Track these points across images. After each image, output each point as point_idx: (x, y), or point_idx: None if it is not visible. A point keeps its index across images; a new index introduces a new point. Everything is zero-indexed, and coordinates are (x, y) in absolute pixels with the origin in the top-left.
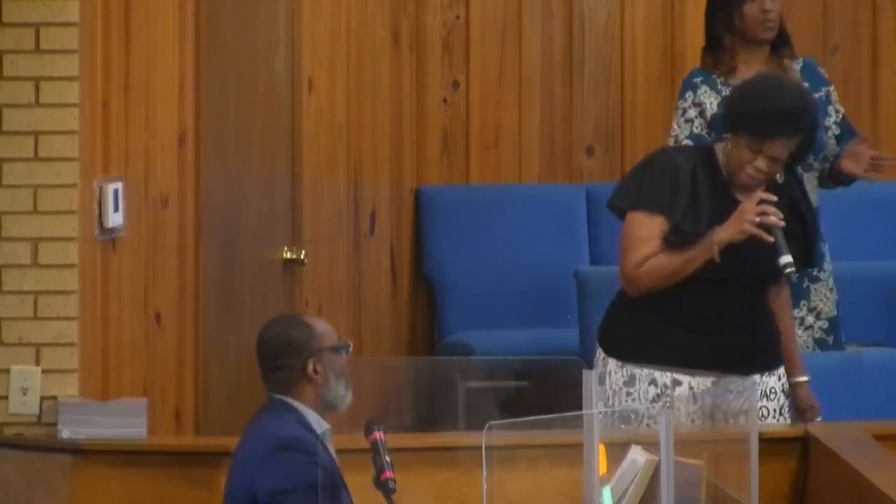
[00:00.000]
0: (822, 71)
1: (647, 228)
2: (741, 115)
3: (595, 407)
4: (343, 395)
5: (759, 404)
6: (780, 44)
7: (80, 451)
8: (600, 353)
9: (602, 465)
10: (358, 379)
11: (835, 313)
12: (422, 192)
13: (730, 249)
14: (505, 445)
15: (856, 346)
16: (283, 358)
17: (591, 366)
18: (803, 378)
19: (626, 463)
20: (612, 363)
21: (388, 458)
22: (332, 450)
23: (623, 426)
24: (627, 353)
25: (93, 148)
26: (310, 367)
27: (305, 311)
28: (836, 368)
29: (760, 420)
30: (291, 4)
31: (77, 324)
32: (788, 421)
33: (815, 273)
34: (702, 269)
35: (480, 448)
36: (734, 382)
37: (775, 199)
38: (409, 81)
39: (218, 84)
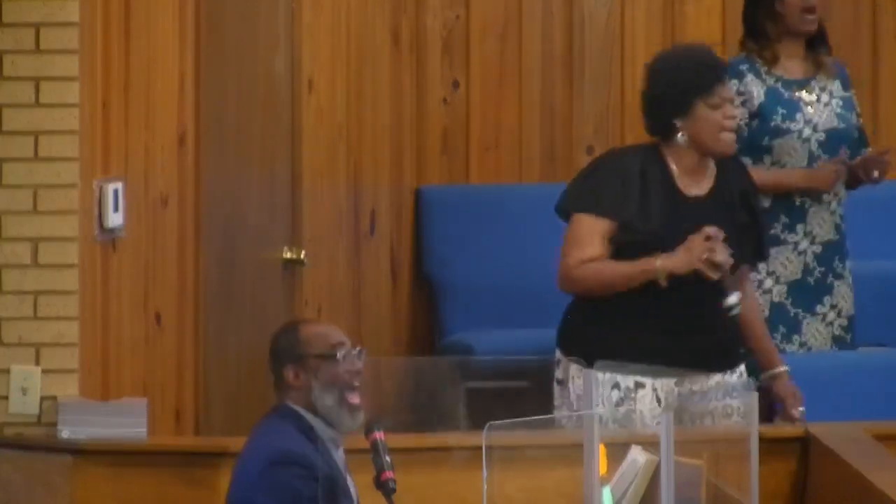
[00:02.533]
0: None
1: (592, 230)
2: (684, 86)
3: (595, 407)
4: (332, 406)
5: (722, 402)
6: (818, 40)
7: (80, 451)
8: (561, 357)
9: (602, 465)
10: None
11: (853, 312)
12: (422, 192)
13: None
14: (505, 445)
15: (870, 347)
16: (272, 364)
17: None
18: (782, 368)
19: (626, 463)
20: (574, 368)
21: (388, 458)
22: (339, 454)
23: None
24: (587, 357)
25: (93, 148)
26: (289, 374)
27: (312, 317)
28: (836, 368)
29: (726, 418)
30: (291, 4)
31: (77, 324)
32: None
33: (839, 269)
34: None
35: (480, 448)
36: (698, 383)
37: (723, 235)
38: (409, 81)
39: (218, 84)
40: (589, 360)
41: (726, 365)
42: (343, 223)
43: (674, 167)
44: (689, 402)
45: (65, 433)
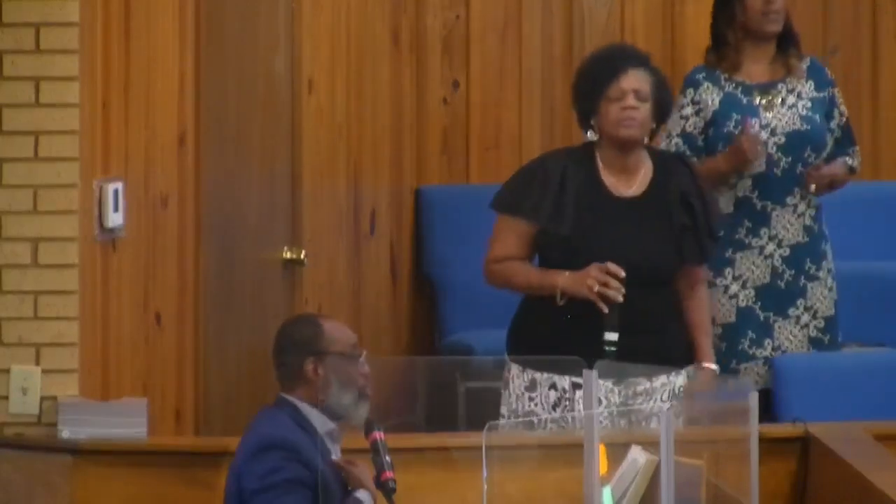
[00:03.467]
0: (828, 71)
1: (508, 231)
2: (587, 84)
3: (595, 407)
4: (348, 405)
5: (669, 404)
6: (787, 41)
7: (80, 451)
8: (506, 359)
9: (602, 465)
10: None
11: (832, 312)
12: (422, 192)
13: (618, 247)
14: (505, 445)
15: (856, 346)
16: (284, 354)
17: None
18: (711, 366)
19: (626, 463)
20: (515, 368)
21: (388, 458)
22: (336, 449)
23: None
24: (523, 354)
25: (93, 148)
26: (308, 367)
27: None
28: (836, 368)
29: (676, 418)
30: (291, 4)
31: (77, 324)
32: None
33: (812, 271)
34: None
35: (480, 448)
36: (641, 384)
37: (623, 274)
38: (409, 81)
39: (218, 84)
40: (528, 364)
41: (671, 366)
42: (343, 223)
43: (602, 168)
44: (634, 403)
45: (65, 433)
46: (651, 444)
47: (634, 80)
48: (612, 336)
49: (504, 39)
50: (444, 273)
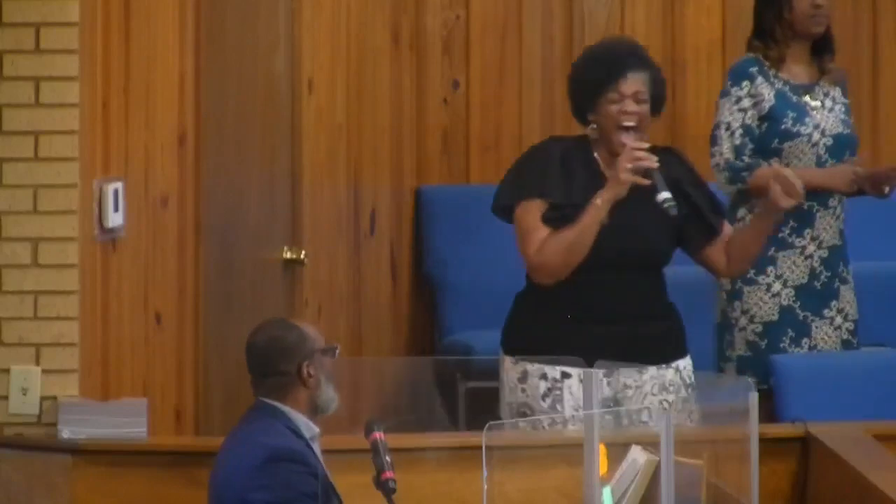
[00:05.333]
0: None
1: (533, 214)
2: (587, 83)
3: (595, 407)
4: (333, 397)
5: (658, 398)
6: (823, 44)
7: (80, 451)
8: (500, 353)
9: (602, 465)
10: (358, 379)
11: (857, 316)
12: (422, 192)
13: (611, 235)
14: (505, 445)
15: (870, 347)
16: (277, 363)
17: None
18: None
19: (626, 463)
20: (508, 361)
21: (388, 458)
22: (319, 453)
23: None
24: (519, 349)
25: (93, 148)
26: (304, 371)
27: (296, 313)
28: (836, 368)
29: (663, 413)
30: (291, 4)
31: (77, 324)
32: (695, 409)
33: (844, 274)
34: (590, 254)
35: (480, 448)
36: (631, 376)
37: (646, 145)
38: (409, 81)
39: (218, 84)
40: (524, 353)
41: (660, 359)
42: (343, 223)
43: (599, 158)
44: (623, 396)
45: (65, 433)
46: (651, 444)
47: (634, 84)
48: (666, 194)
49: (504, 39)
50: (444, 273)
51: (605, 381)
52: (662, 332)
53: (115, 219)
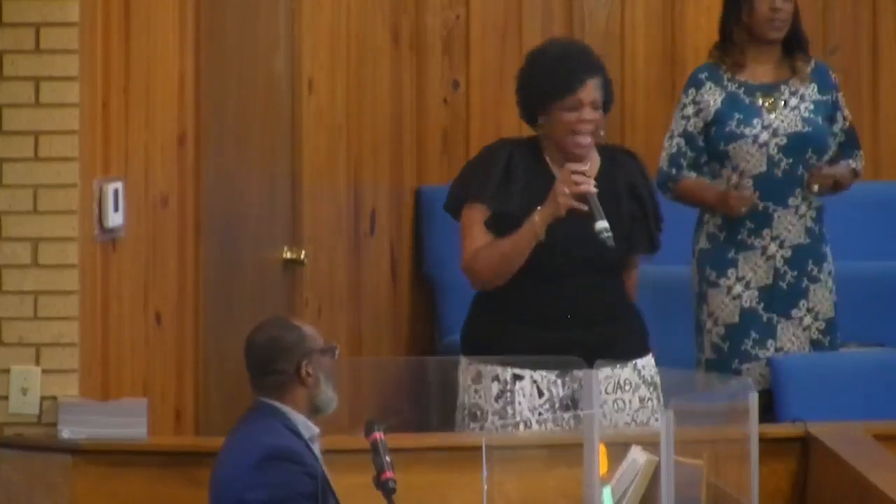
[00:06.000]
0: (833, 76)
1: (472, 219)
2: (542, 88)
3: (595, 407)
4: (332, 397)
5: (613, 396)
6: (794, 44)
7: (80, 451)
8: (459, 356)
9: (602, 465)
10: (358, 379)
11: (832, 315)
12: (422, 192)
13: (565, 239)
14: (505, 445)
15: (855, 345)
16: (276, 362)
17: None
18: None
19: (626, 463)
20: (463, 361)
21: (388, 458)
22: (318, 453)
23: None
24: (473, 350)
25: (93, 148)
26: (303, 370)
27: (296, 314)
28: (836, 368)
29: (617, 412)
30: (291, 4)
31: (77, 324)
32: (658, 408)
33: (814, 273)
34: (537, 261)
35: (480, 448)
36: (579, 374)
37: (585, 167)
38: (409, 81)
39: (218, 84)
40: (479, 355)
41: (616, 358)
42: (343, 223)
43: (548, 158)
44: (579, 394)
45: (65, 433)
46: (651, 444)
47: (592, 91)
48: (603, 223)
49: (504, 39)
50: (444, 273)
51: (558, 381)
52: (619, 333)
53: (115, 219)
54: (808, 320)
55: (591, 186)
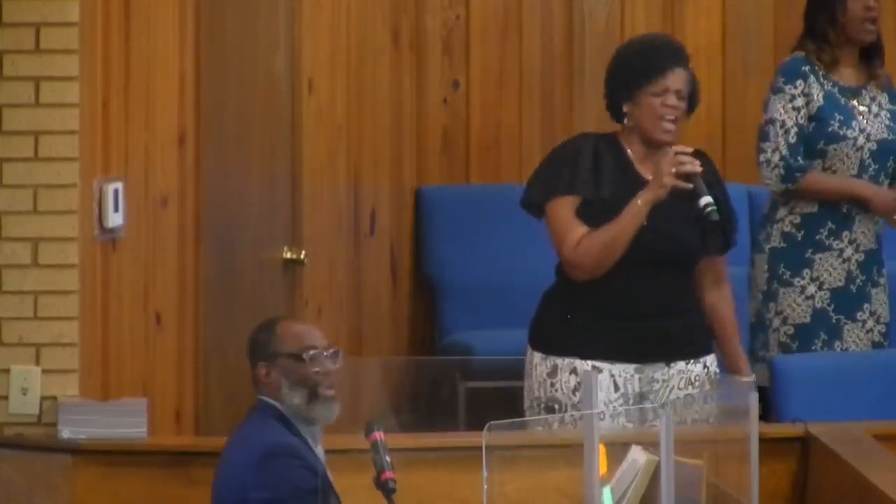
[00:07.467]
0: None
1: (566, 211)
2: (631, 72)
3: (595, 407)
4: (300, 405)
5: (684, 392)
6: (874, 51)
7: (80, 451)
8: (528, 349)
9: (602, 465)
10: (358, 379)
11: (889, 318)
12: (422, 192)
13: (652, 231)
14: (505, 445)
15: None
16: (249, 359)
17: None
18: (747, 379)
19: (626, 463)
20: (537, 356)
21: (388, 458)
22: (321, 452)
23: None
24: (549, 345)
25: (93, 148)
26: (261, 371)
27: (296, 314)
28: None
29: (686, 408)
30: (291, 4)
31: (77, 324)
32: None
33: (877, 277)
34: (639, 248)
35: (480, 448)
36: (658, 371)
37: (690, 149)
38: (409, 81)
39: (218, 84)
40: (550, 350)
41: (689, 354)
42: (343, 223)
43: (630, 153)
44: (650, 390)
45: (65, 433)
46: (651, 444)
47: (679, 80)
48: (707, 198)
49: (504, 39)
50: (444, 273)
51: (636, 376)
52: (690, 328)
53: (115, 219)
54: (870, 323)
55: (696, 166)
